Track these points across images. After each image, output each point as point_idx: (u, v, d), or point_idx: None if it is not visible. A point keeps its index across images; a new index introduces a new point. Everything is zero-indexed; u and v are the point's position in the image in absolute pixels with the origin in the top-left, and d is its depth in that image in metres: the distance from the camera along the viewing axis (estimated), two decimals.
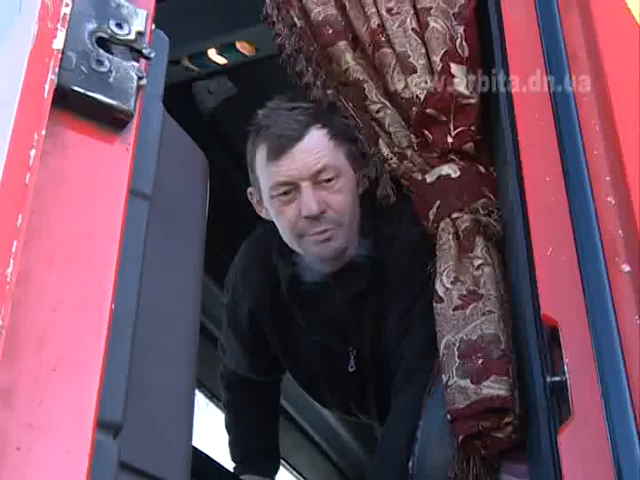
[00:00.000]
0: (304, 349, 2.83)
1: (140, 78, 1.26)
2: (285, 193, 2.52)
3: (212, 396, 4.26)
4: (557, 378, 1.71)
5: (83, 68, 1.22)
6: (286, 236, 2.61)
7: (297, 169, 2.50)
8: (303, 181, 2.50)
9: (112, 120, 1.25)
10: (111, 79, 1.24)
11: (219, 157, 2.69)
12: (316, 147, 2.52)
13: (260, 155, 2.56)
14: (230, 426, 3.21)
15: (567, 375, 1.65)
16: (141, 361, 1.22)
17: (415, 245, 2.48)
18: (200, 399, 4.16)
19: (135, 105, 1.25)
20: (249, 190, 2.68)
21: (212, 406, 4.25)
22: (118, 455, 1.13)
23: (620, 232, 1.69)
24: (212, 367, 3.29)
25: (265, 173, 2.56)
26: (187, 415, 1.40)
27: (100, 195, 1.21)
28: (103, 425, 1.11)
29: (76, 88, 1.22)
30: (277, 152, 2.51)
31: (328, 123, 2.56)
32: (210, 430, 3.65)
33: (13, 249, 1.07)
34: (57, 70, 1.20)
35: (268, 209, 2.63)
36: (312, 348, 2.80)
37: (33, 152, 1.13)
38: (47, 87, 1.18)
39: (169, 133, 1.39)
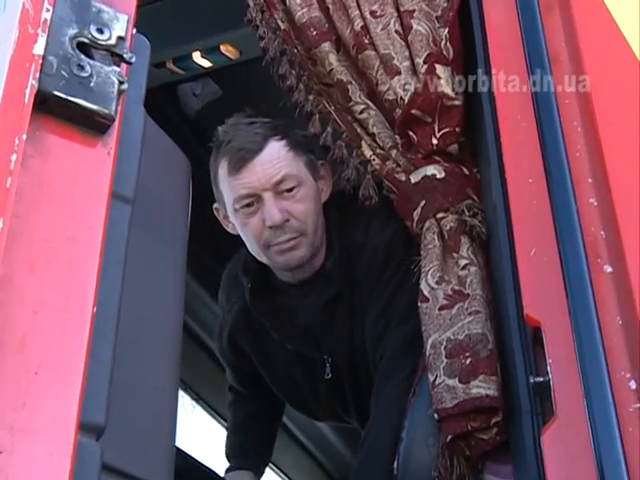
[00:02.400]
0: (282, 362, 2.86)
1: (121, 82, 1.27)
2: (248, 205, 2.58)
3: (199, 398, 4.25)
4: (540, 378, 1.72)
5: (64, 73, 1.22)
6: (253, 248, 2.66)
7: (258, 180, 2.55)
8: (265, 192, 2.55)
9: (93, 124, 1.25)
10: (92, 84, 1.24)
11: (204, 159, 2.69)
12: (276, 158, 2.58)
13: (222, 170, 2.61)
14: (228, 427, 3.24)
15: (550, 375, 1.66)
16: (124, 363, 1.22)
17: (385, 246, 2.56)
18: (187, 401, 4.16)
19: (116, 109, 1.26)
20: (215, 206, 2.74)
21: (199, 408, 4.25)
22: (101, 457, 1.13)
23: (602, 233, 1.70)
24: (199, 369, 3.29)
25: (228, 187, 2.61)
26: (170, 416, 1.41)
27: (82, 199, 1.22)
28: (85, 427, 1.11)
29: (57, 93, 1.22)
30: (238, 165, 2.56)
31: (287, 135, 2.62)
32: (197, 432, 3.65)
33: None
34: (38, 75, 1.20)
35: (234, 223, 2.67)
36: (289, 359, 2.83)
37: (14, 157, 1.13)
38: (28, 92, 1.18)
39: (151, 136, 1.39)
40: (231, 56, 3.44)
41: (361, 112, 2.44)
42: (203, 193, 2.70)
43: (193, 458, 2.87)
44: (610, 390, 1.53)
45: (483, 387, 1.96)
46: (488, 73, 2.10)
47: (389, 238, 2.55)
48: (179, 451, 2.50)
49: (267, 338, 2.83)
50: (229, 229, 2.73)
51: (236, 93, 3.65)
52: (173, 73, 3.54)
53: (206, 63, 3.50)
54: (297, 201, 2.59)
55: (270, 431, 3.24)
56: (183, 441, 2.78)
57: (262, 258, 2.68)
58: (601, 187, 1.73)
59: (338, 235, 2.67)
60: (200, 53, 3.46)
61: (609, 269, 1.66)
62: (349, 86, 2.46)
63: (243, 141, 2.57)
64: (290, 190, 2.58)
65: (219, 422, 4.13)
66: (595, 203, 1.73)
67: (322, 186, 2.69)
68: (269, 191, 2.55)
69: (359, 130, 2.45)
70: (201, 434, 3.54)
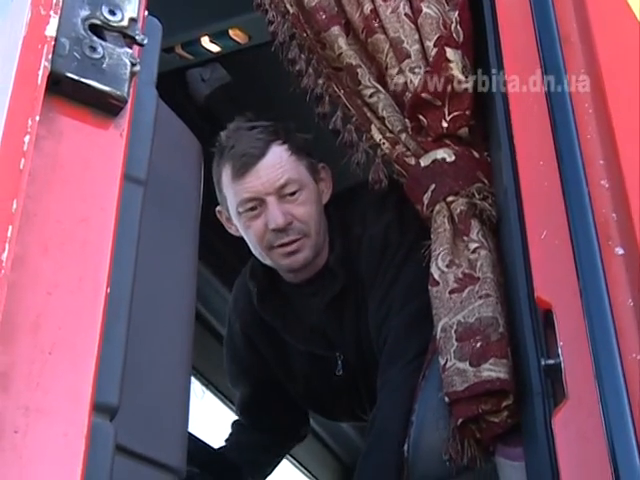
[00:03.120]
0: (297, 362, 2.90)
1: (133, 64, 1.26)
2: (252, 209, 2.63)
3: (209, 383, 4.26)
4: (551, 361, 1.71)
5: (76, 54, 1.22)
6: (256, 250, 2.71)
7: (262, 185, 2.60)
8: (268, 196, 2.60)
9: (106, 106, 1.25)
10: (104, 65, 1.24)
11: (214, 144, 2.70)
12: (279, 162, 2.63)
13: (225, 174, 2.66)
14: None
15: (561, 357, 1.66)
16: (137, 345, 1.22)
17: (382, 236, 2.62)
18: (197, 387, 4.16)
19: (129, 91, 1.26)
20: (218, 209, 2.78)
21: (209, 394, 4.26)
22: (114, 438, 1.13)
23: (613, 215, 1.69)
24: (209, 355, 3.30)
25: (232, 191, 2.65)
26: (183, 398, 1.41)
27: (95, 180, 1.22)
28: (99, 408, 1.11)
29: (70, 74, 1.22)
30: (241, 170, 2.61)
31: (288, 139, 2.67)
32: (207, 417, 3.65)
33: (8, 234, 1.07)
34: (50, 57, 1.20)
35: (237, 226, 2.72)
36: (303, 360, 2.87)
37: (27, 138, 1.13)
38: (40, 73, 1.18)
39: (163, 119, 1.39)
40: (240, 41, 3.43)
41: (370, 96, 2.44)
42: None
43: (203, 441, 2.87)
44: (622, 372, 1.53)
45: (494, 370, 1.96)
46: (499, 57, 2.09)
47: (385, 227, 2.62)
48: (190, 435, 2.51)
49: (281, 339, 2.88)
50: (232, 231, 2.78)
51: (244, 78, 3.65)
52: (182, 58, 3.54)
53: (215, 48, 3.49)
54: (299, 204, 2.64)
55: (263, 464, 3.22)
56: (194, 426, 2.78)
57: (266, 260, 2.72)
58: (612, 169, 1.72)
59: (338, 233, 2.71)
60: (209, 38, 3.46)
61: (620, 251, 1.65)
62: (358, 70, 2.45)
63: (246, 146, 2.62)
64: (293, 194, 2.63)
65: (229, 407, 4.13)
66: (606, 185, 1.73)
67: (323, 188, 2.74)
68: (272, 195, 2.61)
69: (369, 114, 2.45)
70: (211, 419, 3.54)
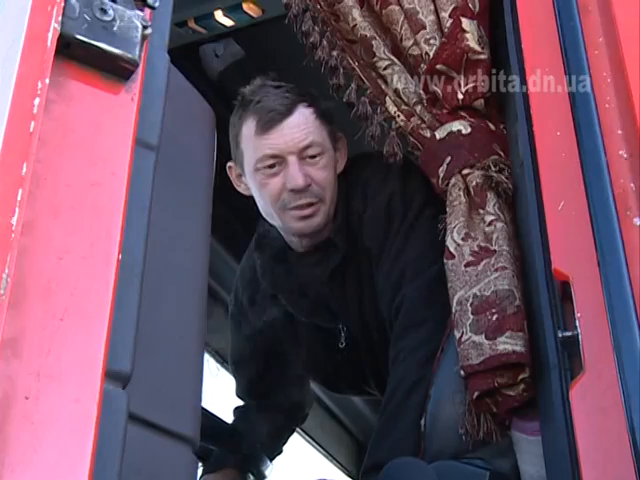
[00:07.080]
0: (302, 335, 2.91)
1: (145, 27, 1.25)
2: (271, 166, 2.59)
3: (223, 361, 4.25)
4: (568, 333, 1.69)
5: (87, 17, 1.21)
6: (268, 210, 2.68)
7: (285, 143, 2.58)
8: (290, 155, 2.58)
9: (117, 69, 1.24)
10: (115, 28, 1.22)
11: (228, 120, 2.68)
12: (305, 123, 2.61)
13: (248, 128, 2.62)
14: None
15: (579, 330, 1.64)
16: (149, 313, 1.21)
17: (384, 209, 2.60)
18: (211, 364, 4.16)
19: (140, 54, 1.24)
20: (228, 164, 2.74)
21: (223, 371, 4.25)
22: (127, 405, 1.12)
23: (632, 185, 1.67)
24: (224, 332, 3.27)
25: (252, 146, 2.62)
26: (196, 369, 1.40)
27: (106, 145, 1.20)
28: (111, 375, 1.10)
29: (80, 37, 1.21)
30: (267, 125, 2.58)
31: (314, 102, 2.65)
32: (222, 395, 3.65)
33: (18, 197, 1.06)
34: (60, 19, 1.19)
35: (249, 183, 2.69)
36: (308, 332, 2.88)
37: (37, 101, 1.12)
38: (50, 36, 1.16)
39: (175, 85, 1.37)
40: (253, 14, 3.40)
41: (385, 68, 2.42)
42: (227, 155, 2.68)
43: (219, 417, 2.86)
44: None
45: (510, 343, 1.95)
46: (516, 26, 2.06)
47: (387, 200, 2.61)
48: (205, 411, 2.50)
49: (286, 311, 2.89)
50: (240, 189, 2.75)
51: (258, 53, 3.62)
52: (195, 32, 3.51)
53: (228, 22, 3.46)
54: (319, 168, 2.62)
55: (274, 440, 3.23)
56: (208, 403, 2.78)
57: (275, 220, 2.69)
58: (631, 139, 1.70)
59: (341, 204, 2.70)
60: (222, 11, 3.42)
61: (639, 222, 1.63)
62: (373, 42, 2.43)
63: (273, 103, 2.59)
64: (314, 157, 2.61)
65: None
66: (625, 155, 1.70)
67: (339, 157, 2.72)
68: (294, 155, 2.58)
69: (383, 86, 2.44)
70: (226, 397, 3.53)
